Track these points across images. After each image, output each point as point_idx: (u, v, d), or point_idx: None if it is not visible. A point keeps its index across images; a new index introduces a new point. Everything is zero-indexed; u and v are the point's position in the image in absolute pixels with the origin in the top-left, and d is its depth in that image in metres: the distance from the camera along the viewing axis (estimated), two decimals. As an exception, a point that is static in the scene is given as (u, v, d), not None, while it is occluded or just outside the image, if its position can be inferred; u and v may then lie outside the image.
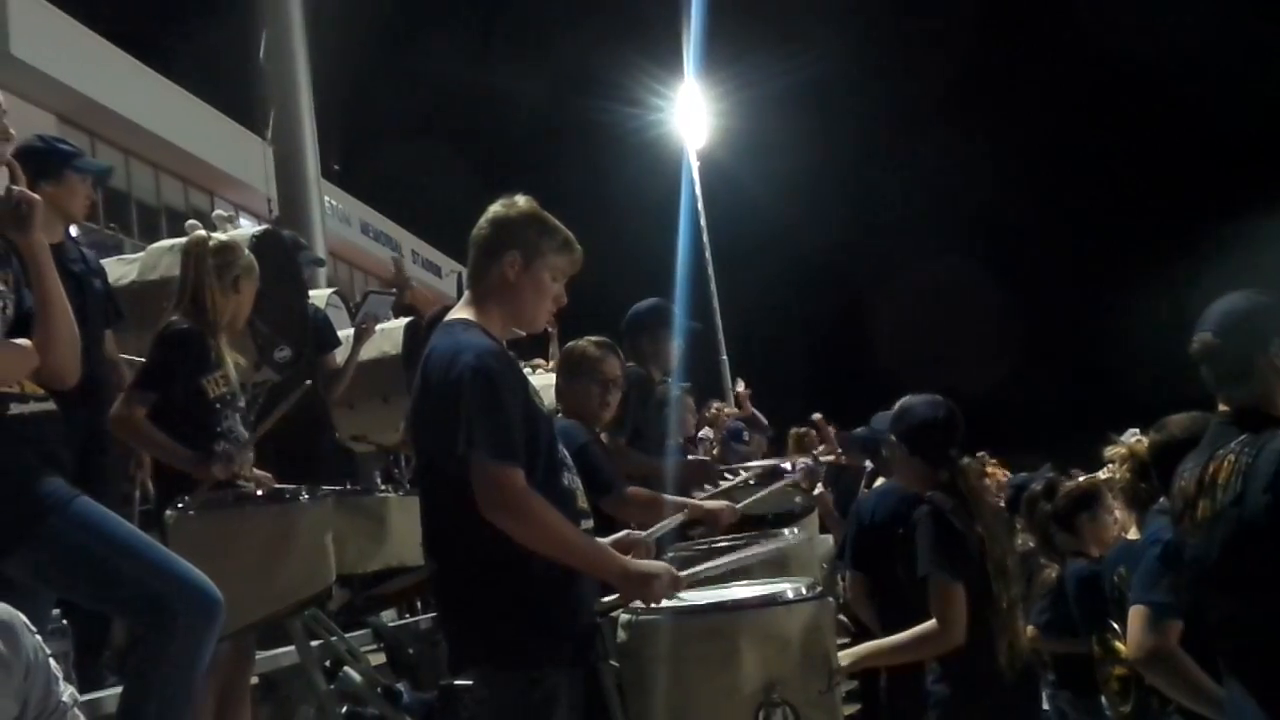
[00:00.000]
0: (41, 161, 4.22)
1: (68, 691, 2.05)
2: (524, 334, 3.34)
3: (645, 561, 2.96)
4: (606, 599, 2.96)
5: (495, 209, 3.02)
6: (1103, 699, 4.60)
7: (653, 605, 2.85)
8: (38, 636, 2.05)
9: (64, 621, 3.83)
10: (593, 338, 4.39)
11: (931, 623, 3.45)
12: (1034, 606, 5.03)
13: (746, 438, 8.51)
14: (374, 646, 5.68)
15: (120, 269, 5.25)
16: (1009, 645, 3.47)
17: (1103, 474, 4.99)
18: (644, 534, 3.35)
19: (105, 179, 4.58)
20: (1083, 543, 4.93)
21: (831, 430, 8.17)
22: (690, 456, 5.64)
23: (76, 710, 2.07)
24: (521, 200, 3.02)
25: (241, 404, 4.08)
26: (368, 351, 6.14)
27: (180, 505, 3.56)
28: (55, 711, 2.00)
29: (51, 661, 2.05)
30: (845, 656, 3.47)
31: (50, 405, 2.83)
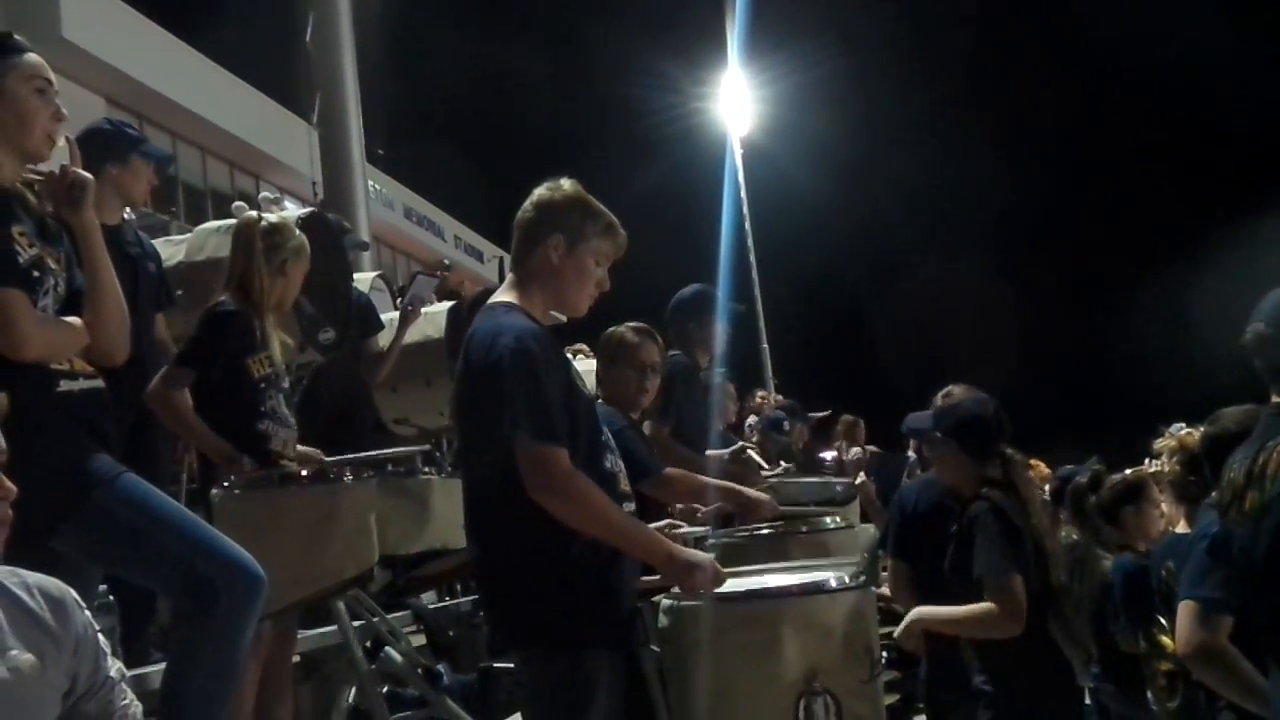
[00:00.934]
0: (109, 143, 4.28)
1: (115, 666, 2.07)
2: (565, 319, 3.32)
3: (691, 550, 2.94)
4: (647, 579, 2.96)
5: (540, 192, 3.02)
6: (1149, 694, 4.55)
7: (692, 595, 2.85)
8: (87, 612, 2.06)
9: (110, 598, 3.87)
10: (632, 324, 4.36)
11: (993, 606, 3.42)
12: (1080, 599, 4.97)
13: (787, 427, 8.48)
14: (414, 628, 5.72)
15: (167, 250, 5.28)
16: (1068, 637, 3.44)
17: (1149, 467, 4.93)
18: (686, 529, 3.34)
19: (167, 167, 4.63)
20: (1128, 536, 4.88)
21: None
22: (733, 447, 5.61)
23: (124, 685, 2.08)
24: (566, 183, 3.02)
25: (286, 384, 4.10)
26: (411, 335, 6.15)
27: (226, 484, 3.59)
28: (104, 686, 2.01)
29: (100, 637, 2.07)
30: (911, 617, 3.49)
31: (99, 383, 2.86)
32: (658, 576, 2.91)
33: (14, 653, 1.90)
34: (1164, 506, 4.65)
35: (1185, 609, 3.02)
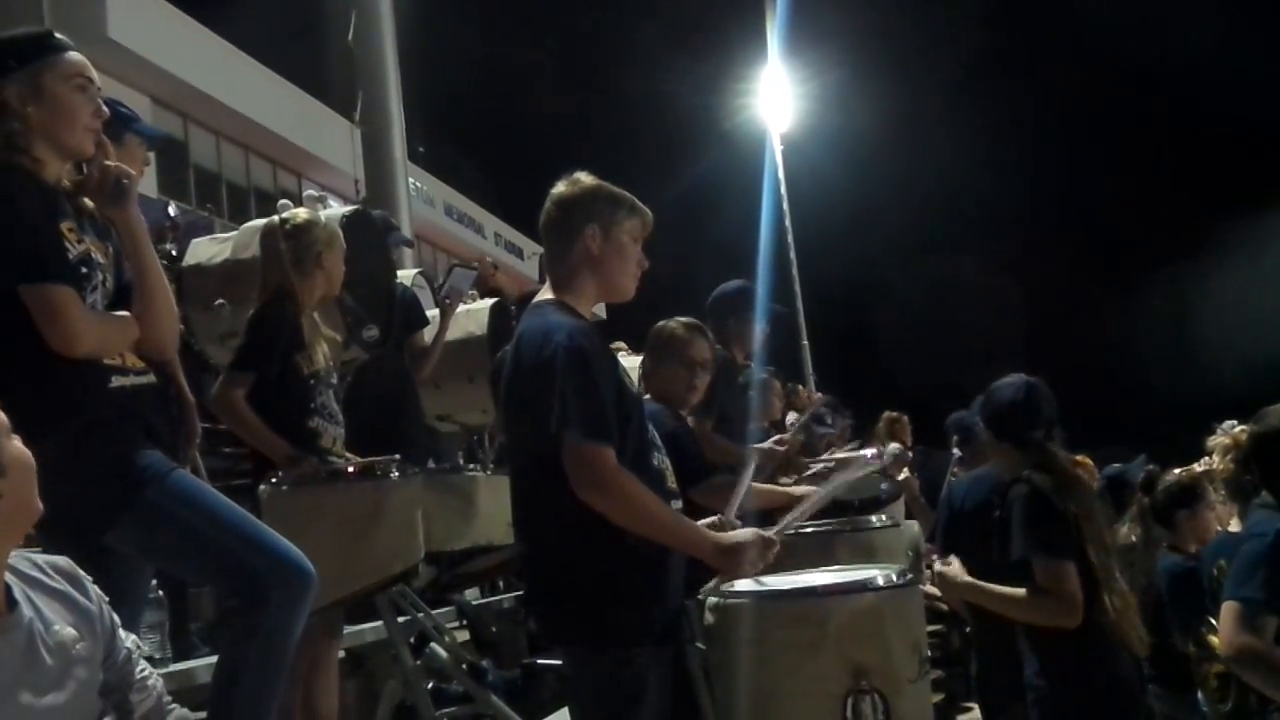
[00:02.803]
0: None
1: (130, 639, 2.09)
2: (605, 317, 3.32)
3: (734, 533, 2.93)
4: (710, 584, 2.95)
5: (559, 190, 3.04)
6: (1199, 697, 4.49)
7: (752, 575, 2.85)
8: (95, 586, 2.09)
9: (160, 593, 3.91)
10: (682, 319, 4.31)
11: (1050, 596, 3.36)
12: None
13: (830, 421, 8.44)
14: (457, 624, 5.74)
15: (213, 248, 5.33)
16: (1125, 629, 3.38)
17: (1200, 465, 4.87)
18: (734, 519, 3.32)
19: (158, 145, 4.61)
20: (1180, 538, 4.81)
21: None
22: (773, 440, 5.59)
23: (140, 658, 2.09)
24: (582, 176, 3.05)
25: (334, 380, 4.12)
26: (454, 332, 6.17)
27: (274, 480, 3.61)
28: (121, 657, 2.03)
29: (108, 609, 2.09)
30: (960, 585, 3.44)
31: (151, 378, 2.87)
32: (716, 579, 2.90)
33: (56, 628, 1.92)
34: (1218, 506, 4.58)
35: (1229, 610, 2.99)
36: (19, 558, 2.02)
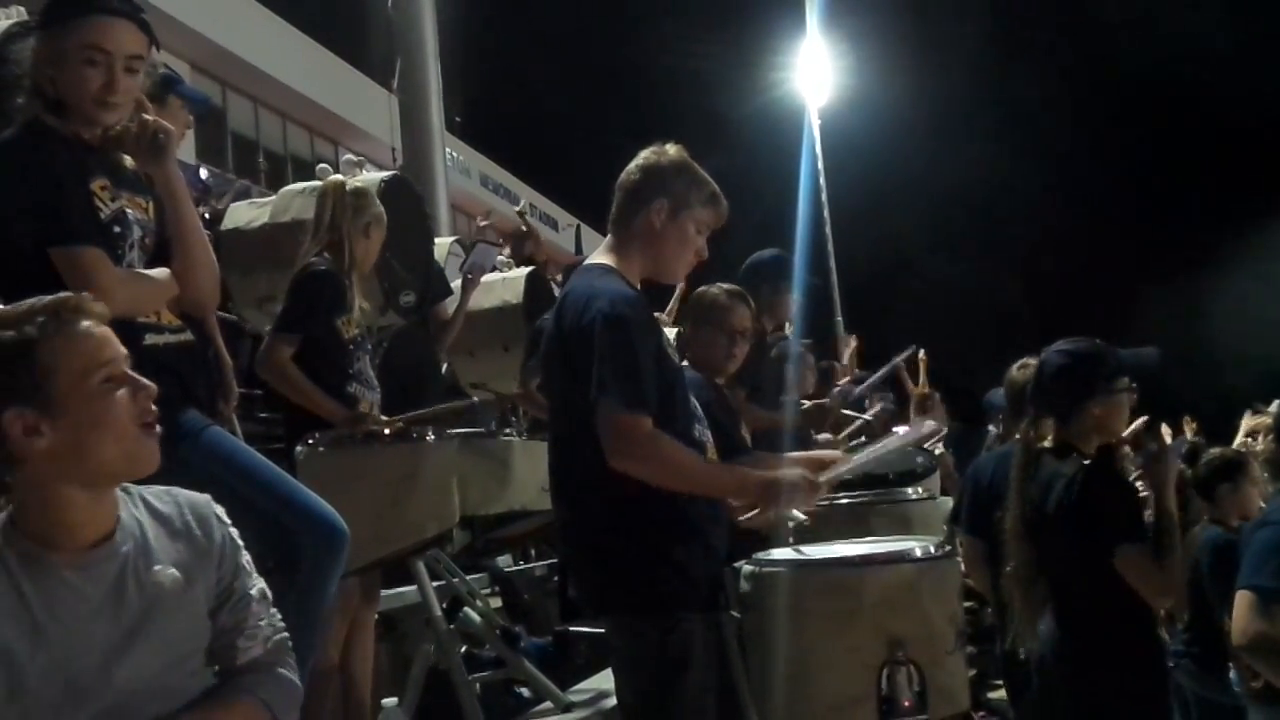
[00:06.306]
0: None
1: (257, 586, 2.07)
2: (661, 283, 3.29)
3: (777, 470, 2.89)
4: (746, 516, 2.91)
5: (646, 155, 2.99)
6: (1232, 675, 4.45)
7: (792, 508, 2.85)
8: (232, 529, 2.08)
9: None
10: (724, 285, 4.22)
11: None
12: None
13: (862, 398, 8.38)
14: (489, 590, 5.76)
15: (251, 212, 5.33)
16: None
17: (1236, 444, 4.82)
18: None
19: (202, 110, 4.57)
20: (1222, 512, 4.76)
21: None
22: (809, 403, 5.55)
23: (267, 605, 2.06)
24: (672, 148, 3.00)
25: (369, 346, 4.12)
26: (490, 300, 6.16)
27: (310, 441, 3.62)
28: (240, 600, 2.01)
29: (245, 555, 2.08)
30: None
31: (187, 336, 2.86)
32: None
33: (158, 568, 1.92)
34: (1261, 483, 4.54)
35: (1242, 598, 2.95)
36: (162, 492, 2.03)
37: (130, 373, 1.93)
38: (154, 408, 1.95)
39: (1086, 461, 3.35)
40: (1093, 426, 3.40)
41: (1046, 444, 3.49)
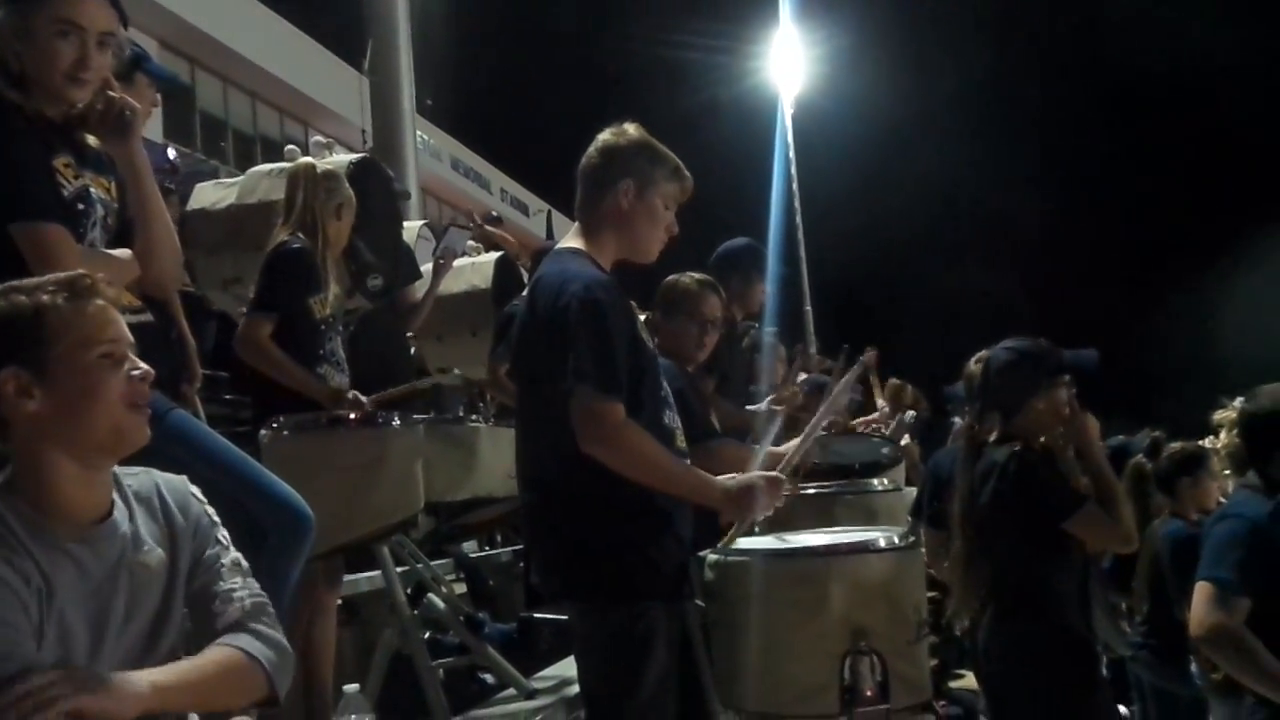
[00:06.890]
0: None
1: (230, 557, 2.07)
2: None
3: (740, 476, 2.88)
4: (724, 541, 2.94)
5: (605, 137, 2.97)
6: (1192, 667, 4.50)
7: (764, 516, 2.86)
8: (209, 507, 2.10)
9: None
10: (694, 274, 4.22)
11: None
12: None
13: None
14: (454, 576, 5.75)
15: (219, 193, 5.30)
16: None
17: (1207, 442, 4.85)
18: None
19: (169, 87, 4.51)
20: (1181, 506, 4.82)
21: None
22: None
23: (240, 574, 2.06)
24: (630, 128, 2.97)
25: (340, 328, 4.10)
26: (458, 285, 6.14)
27: (275, 425, 3.59)
28: (209, 569, 2.02)
29: (222, 530, 2.09)
30: None
31: (147, 317, 2.83)
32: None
33: (147, 548, 1.94)
34: (1221, 478, 4.58)
35: (1201, 589, 2.98)
36: (143, 474, 2.05)
37: (131, 355, 1.95)
38: (147, 391, 1.97)
39: (1016, 448, 3.48)
40: (1035, 421, 3.55)
41: (992, 438, 3.60)
